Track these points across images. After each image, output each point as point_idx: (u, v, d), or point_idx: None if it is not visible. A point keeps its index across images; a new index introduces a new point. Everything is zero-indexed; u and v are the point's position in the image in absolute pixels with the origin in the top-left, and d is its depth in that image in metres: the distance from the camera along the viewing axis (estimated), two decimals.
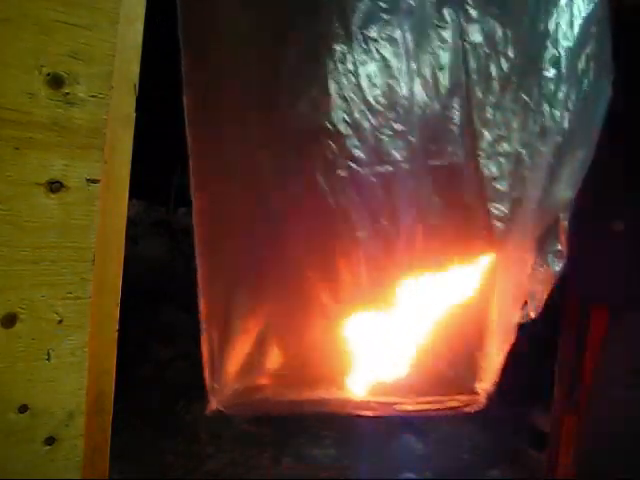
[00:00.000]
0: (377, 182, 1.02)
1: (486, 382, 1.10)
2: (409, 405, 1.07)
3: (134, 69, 0.73)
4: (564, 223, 1.14)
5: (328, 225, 1.04)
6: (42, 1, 0.65)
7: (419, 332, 1.09)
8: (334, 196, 1.01)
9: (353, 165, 1.01)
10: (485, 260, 1.12)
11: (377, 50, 1.03)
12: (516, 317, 1.14)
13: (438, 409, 1.09)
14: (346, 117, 1.01)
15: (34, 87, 0.65)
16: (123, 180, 0.74)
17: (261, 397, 1.03)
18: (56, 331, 0.69)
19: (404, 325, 1.09)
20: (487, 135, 1.08)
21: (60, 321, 0.69)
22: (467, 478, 2.35)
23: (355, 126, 1.01)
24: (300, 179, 1.03)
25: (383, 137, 1.03)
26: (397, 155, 1.03)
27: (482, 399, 1.10)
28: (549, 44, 1.11)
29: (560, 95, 1.11)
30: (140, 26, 0.74)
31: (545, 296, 1.15)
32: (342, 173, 1.01)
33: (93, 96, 0.69)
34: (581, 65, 1.13)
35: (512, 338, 1.12)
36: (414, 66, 1.04)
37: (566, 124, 1.12)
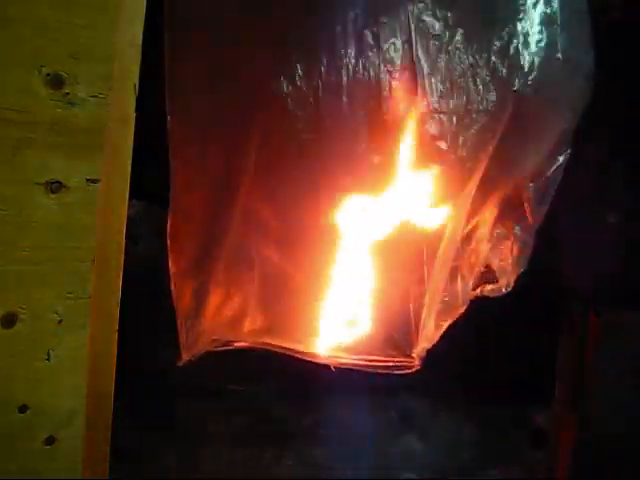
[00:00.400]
0: (314, 144, 1.00)
1: (420, 347, 1.11)
2: (345, 360, 1.10)
3: (134, 69, 0.73)
4: (530, 193, 1.11)
5: (282, 189, 1.04)
6: (42, 1, 0.65)
7: (364, 293, 1.10)
8: (280, 157, 1.01)
9: (294, 125, 0.99)
10: (426, 222, 1.09)
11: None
12: (469, 286, 1.13)
13: (373, 367, 1.11)
14: (286, 74, 0.98)
15: (34, 87, 0.65)
16: (123, 180, 0.74)
17: (227, 345, 1.10)
18: (56, 331, 0.69)
19: (349, 285, 1.10)
20: (428, 93, 1.04)
21: (60, 321, 0.69)
22: (467, 478, 2.35)
23: (295, 83, 0.98)
24: (256, 140, 1.01)
25: (321, 95, 0.99)
26: (334, 114, 1.00)
27: (415, 363, 1.11)
28: (504, 3, 1.06)
29: (520, 61, 1.06)
30: (140, 26, 0.74)
31: (517, 271, 1.13)
32: (280, 136, 1.00)
33: (93, 96, 0.69)
34: (548, 32, 1.08)
35: (460, 308, 1.11)
36: (354, 19, 1.00)
37: (530, 92, 1.07)
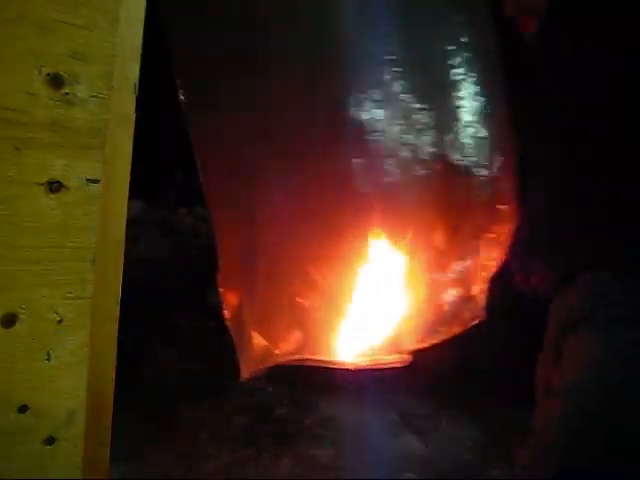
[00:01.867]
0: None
1: (409, 344, 1.15)
2: (353, 365, 1.13)
3: (134, 69, 0.73)
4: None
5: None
6: (42, 1, 0.65)
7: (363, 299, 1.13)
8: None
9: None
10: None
11: None
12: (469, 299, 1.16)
13: (377, 366, 1.15)
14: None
15: (34, 87, 0.65)
16: (123, 180, 0.74)
17: (280, 361, 1.09)
18: (56, 331, 0.69)
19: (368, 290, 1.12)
20: None
21: (60, 321, 0.69)
22: (467, 478, 2.35)
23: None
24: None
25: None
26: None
27: (408, 359, 1.15)
28: None
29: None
30: (140, 26, 0.74)
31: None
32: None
33: (93, 96, 0.69)
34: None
35: (460, 318, 1.15)
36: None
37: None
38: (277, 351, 1.07)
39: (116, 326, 0.75)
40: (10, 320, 0.66)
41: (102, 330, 0.74)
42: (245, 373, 1.06)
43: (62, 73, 0.66)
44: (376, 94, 1.03)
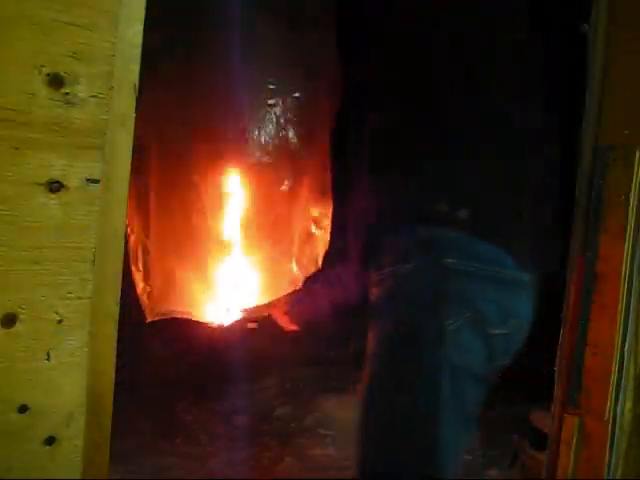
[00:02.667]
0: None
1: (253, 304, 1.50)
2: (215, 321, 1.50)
3: (134, 69, 0.73)
4: None
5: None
6: (42, 1, 0.65)
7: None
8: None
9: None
10: None
11: None
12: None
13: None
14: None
15: (34, 87, 0.65)
16: (123, 180, 0.74)
17: (173, 310, 1.47)
18: (56, 331, 0.69)
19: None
20: None
21: (60, 321, 0.69)
22: (467, 478, 2.35)
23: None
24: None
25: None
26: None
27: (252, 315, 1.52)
28: None
29: None
30: (140, 26, 0.74)
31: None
32: None
33: (93, 96, 0.69)
34: None
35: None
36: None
37: None
38: (158, 307, 1.43)
39: (116, 326, 0.75)
40: (10, 320, 0.66)
41: (102, 330, 0.74)
42: (149, 318, 1.44)
43: (62, 73, 0.66)
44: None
